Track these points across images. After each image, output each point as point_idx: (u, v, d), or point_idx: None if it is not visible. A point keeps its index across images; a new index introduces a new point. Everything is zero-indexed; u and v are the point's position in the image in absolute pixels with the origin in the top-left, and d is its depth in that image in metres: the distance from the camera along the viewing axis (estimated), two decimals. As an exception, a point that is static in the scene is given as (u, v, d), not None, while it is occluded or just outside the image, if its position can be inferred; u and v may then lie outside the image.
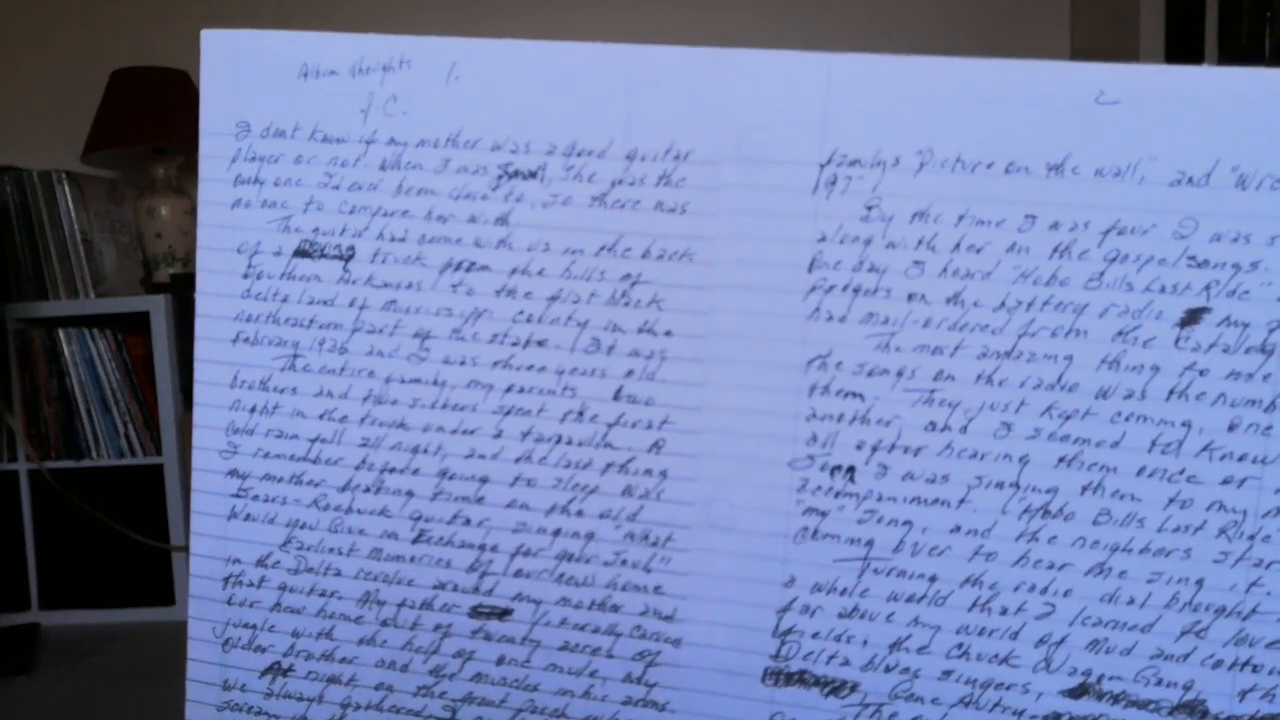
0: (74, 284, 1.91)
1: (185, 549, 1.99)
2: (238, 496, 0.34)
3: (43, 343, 1.90)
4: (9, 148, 2.06)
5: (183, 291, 1.92)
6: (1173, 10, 1.46)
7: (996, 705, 0.30)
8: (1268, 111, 0.27)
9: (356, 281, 0.32)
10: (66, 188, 1.90)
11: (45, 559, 1.85)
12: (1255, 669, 0.29)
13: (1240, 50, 1.30)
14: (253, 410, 0.33)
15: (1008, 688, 0.30)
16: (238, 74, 0.32)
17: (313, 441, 0.33)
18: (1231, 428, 0.28)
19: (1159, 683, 0.30)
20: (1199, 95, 0.27)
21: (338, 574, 0.33)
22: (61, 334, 1.90)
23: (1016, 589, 0.30)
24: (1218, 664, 0.29)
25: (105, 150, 1.96)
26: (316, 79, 0.32)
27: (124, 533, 1.77)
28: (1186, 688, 0.29)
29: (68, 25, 2.17)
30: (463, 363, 0.32)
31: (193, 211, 2.08)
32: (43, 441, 1.87)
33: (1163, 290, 0.28)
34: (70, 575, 1.85)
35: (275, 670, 0.34)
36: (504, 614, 0.33)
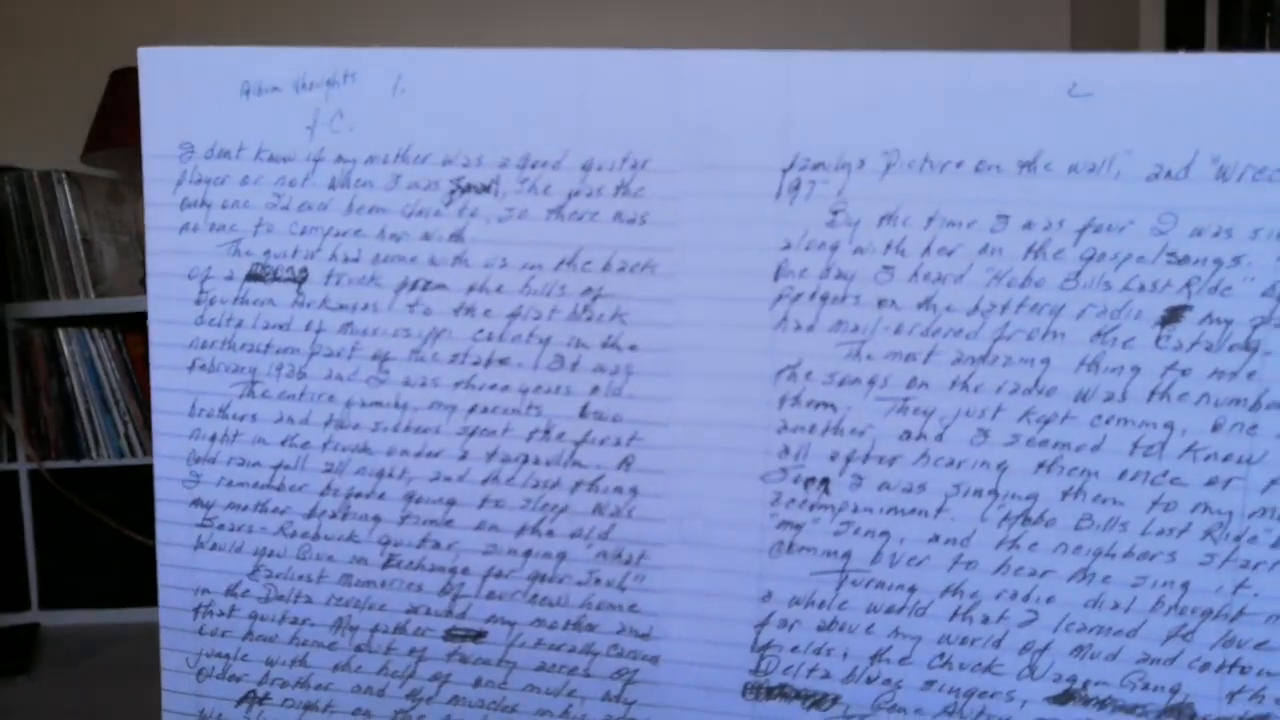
0: (74, 284, 1.89)
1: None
2: (203, 526, 0.33)
3: (43, 343, 1.89)
4: (9, 148, 2.04)
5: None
6: (1173, 9, 1.44)
7: (981, 714, 0.30)
8: (1248, 99, 0.26)
9: (311, 304, 0.31)
10: (66, 188, 1.89)
11: (45, 559, 1.84)
12: (1243, 670, 0.28)
13: (1240, 49, 1.28)
14: (213, 439, 0.32)
15: (991, 696, 0.30)
16: (178, 93, 0.31)
17: (276, 468, 0.32)
18: (1215, 428, 0.27)
19: (1145, 686, 0.29)
20: (1176, 84, 0.26)
21: (309, 601, 0.33)
22: (61, 334, 1.89)
23: (998, 597, 0.29)
24: (1205, 666, 0.29)
25: (105, 150, 1.95)
26: (260, 96, 0.31)
27: (124, 533, 1.77)
28: (1174, 691, 0.29)
29: (68, 25, 2.16)
30: (423, 384, 0.31)
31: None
32: (43, 441, 1.86)
33: (1142, 289, 0.27)
34: (70, 575, 1.84)
35: (251, 699, 0.34)
36: (478, 636, 0.32)
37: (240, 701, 0.34)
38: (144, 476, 1.85)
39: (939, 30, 1.93)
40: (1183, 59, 0.26)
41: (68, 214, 1.89)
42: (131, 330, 1.91)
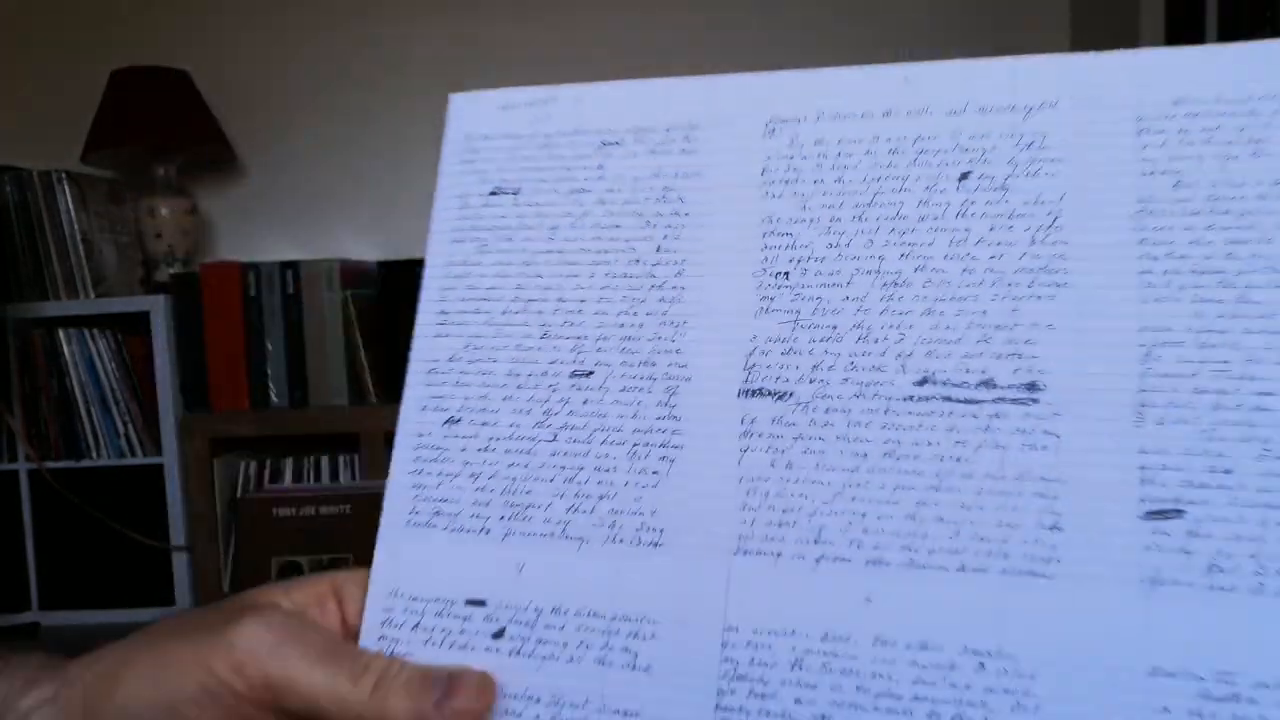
0: (74, 284, 1.87)
1: (185, 549, 1.87)
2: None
3: (43, 343, 1.86)
4: (9, 148, 2.00)
5: (182, 291, 1.88)
6: (1173, 10, 1.43)
7: (876, 395, 0.52)
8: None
9: None
10: (66, 188, 1.86)
11: (45, 559, 1.81)
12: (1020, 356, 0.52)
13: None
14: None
15: (880, 384, 0.52)
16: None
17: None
18: (992, 230, 0.51)
19: (968, 371, 0.52)
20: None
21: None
22: (61, 334, 1.86)
23: (883, 328, 0.52)
24: (999, 356, 0.52)
25: (105, 150, 1.92)
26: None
27: (124, 533, 1.77)
28: (983, 372, 0.52)
29: (68, 25, 2.11)
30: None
31: (193, 211, 2.02)
32: (43, 441, 1.82)
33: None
34: (70, 575, 1.82)
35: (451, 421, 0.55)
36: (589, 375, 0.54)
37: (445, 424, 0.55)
38: (144, 476, 1.82)
39: (937, 30, 1.99)
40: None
41: (68, 214, 1.85)
42: (131, 330, 1.88)
